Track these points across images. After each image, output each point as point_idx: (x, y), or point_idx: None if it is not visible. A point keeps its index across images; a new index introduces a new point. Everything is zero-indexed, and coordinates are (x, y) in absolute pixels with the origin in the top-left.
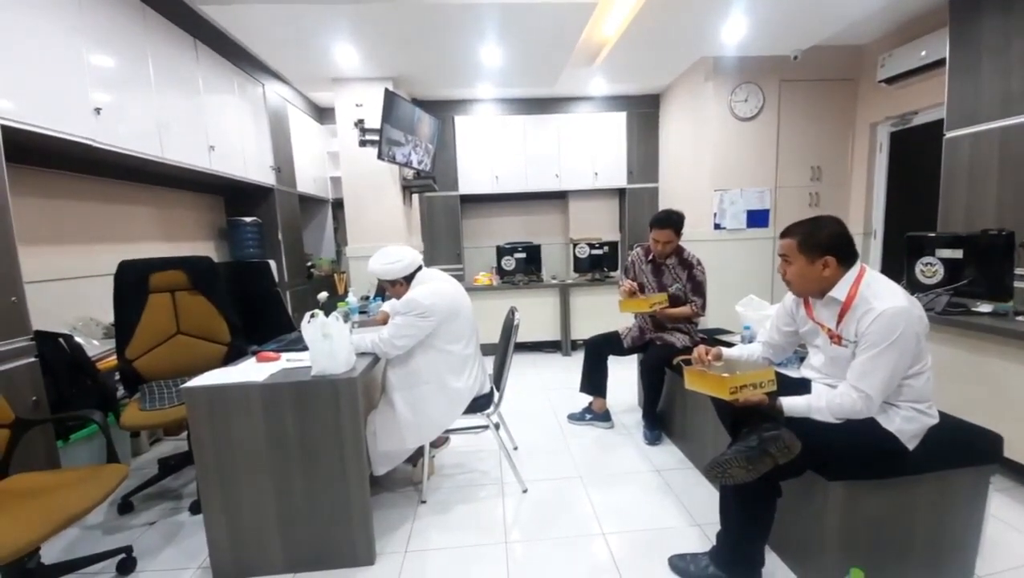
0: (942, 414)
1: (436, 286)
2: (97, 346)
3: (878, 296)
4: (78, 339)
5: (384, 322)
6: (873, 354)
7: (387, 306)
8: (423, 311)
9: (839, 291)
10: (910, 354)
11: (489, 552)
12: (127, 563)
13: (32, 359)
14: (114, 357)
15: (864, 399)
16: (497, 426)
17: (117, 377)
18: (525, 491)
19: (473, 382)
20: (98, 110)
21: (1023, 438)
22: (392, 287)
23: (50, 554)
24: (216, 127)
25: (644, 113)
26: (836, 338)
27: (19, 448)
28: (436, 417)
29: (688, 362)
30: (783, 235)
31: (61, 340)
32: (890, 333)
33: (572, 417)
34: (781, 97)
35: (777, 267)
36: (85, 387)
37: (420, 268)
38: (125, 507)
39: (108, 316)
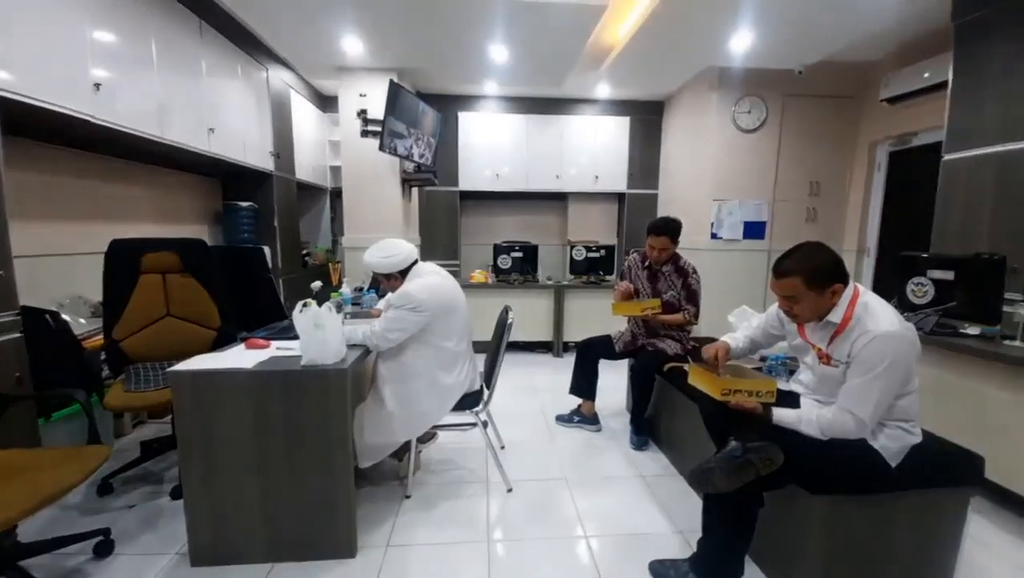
0: (925, 433)
1: (431, 281)
2: (84, 325)
3: (874, 318)
4: (65, 316)
5: (378, 316)
6: (868, 378)
7: (382, 303)
8: (416, 305)
9: (835, 314)
10: (902, 377)
11: (471, 550)
12: (104, 545)
13: (17, 334)
14: (101, 336)
15: (858, 423)
16: (485, 424)
17: (103, 357)
18: (510, 490)
19: (463, 379)
20: (97, 86)
21: (1005, 460)
22: (387, 280)
23: (27, 533)
24: (217, 109)
25: (647, 119)
26: (826, 358)
27: None
28: (425, 412)
29: (681, 368)
30: (780, 274)
31: (48, 317)
32: (884, 357)
33: (560, 419)
34: (784, 111)
35: (778, 305)
36: (70, 365)
37: (416, 262)
38: (105, 489)
39: (97, 295)
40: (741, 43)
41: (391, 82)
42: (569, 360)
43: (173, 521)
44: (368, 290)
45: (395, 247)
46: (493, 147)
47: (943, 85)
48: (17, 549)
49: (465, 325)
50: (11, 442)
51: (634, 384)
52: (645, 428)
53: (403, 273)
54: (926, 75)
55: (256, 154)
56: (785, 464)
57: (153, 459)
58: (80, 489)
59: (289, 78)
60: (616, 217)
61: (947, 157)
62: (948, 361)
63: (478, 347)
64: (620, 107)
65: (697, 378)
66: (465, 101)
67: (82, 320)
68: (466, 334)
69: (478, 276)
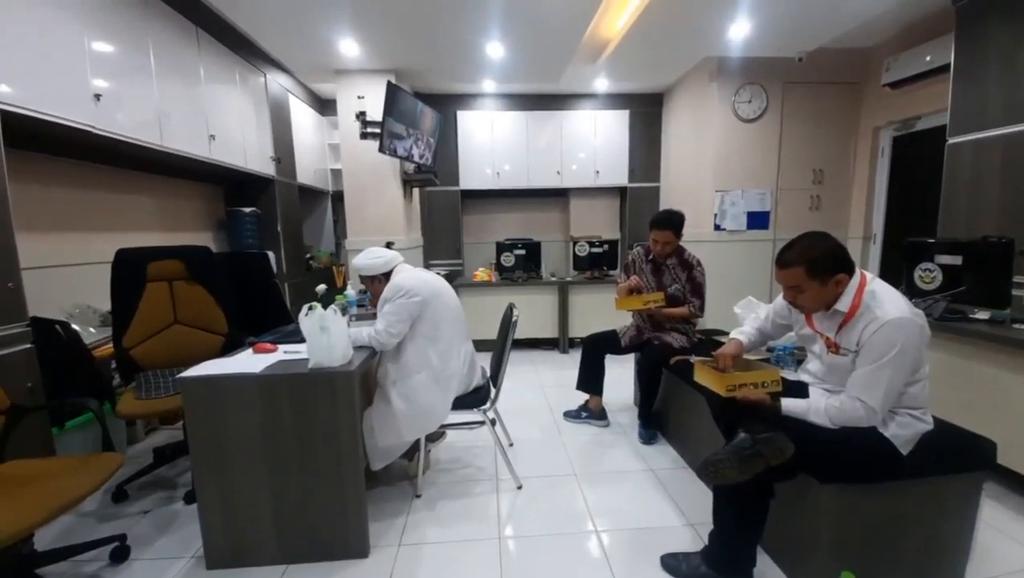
0: (936, 420)
1: (416, 273)
2: (94, 334)
3: (881, 305)
4: (75, 326)
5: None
6: (877, 366)
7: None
8: (407, 290)
9: (842, 303)
10: (911, 364)
11: (483, 547)
12: (121, 551)
13: (28, 345)
14: (111, 345)
15: (868, 411)
16: (493, 422)
17: (113, 365)
18: (520, 487)
19: (461, 366)
20: (98, 96)
21: (1017, 445)
22: (372, 284)
23: (43, 541)
24: (217, 116)
25: (647, 112)
26: (834, 347)
27: (14, 434)
28: (429, 406)
29: (687, 360)
30: (783, 265)
31: (58, 327)
32: (893, 344)
33: (568, 415)
34: (784, 99)
35: (782, 296)
36: (81, 374)
37: (398, 265)
38: (120, 495)
39: (105, 304)
40: (739, 32)
41: (389, 83)
42: (575, 356)
43: (188, 525)
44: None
45: (379, 251)
46: (493, 145)
47: (946, 68)
48: (34, 557)
49: (455, 312)
50: (26, 451)
51: (641, 378)
52: (653, 422)
53: (386, 276)
54: (928, 58)
55: (257, 159)
56: (795, 454)
57: (166, 465)
58: (95, 496)
59: (287, 82)
60: (618, 211)
61: (952, 140)
62: (958, 347)
63: (484, 346)
64: (619, 100)
65: (702, 376)
66: (463, 100)
67: (91, 329)
68: (458, 323)
69: (481, 274)
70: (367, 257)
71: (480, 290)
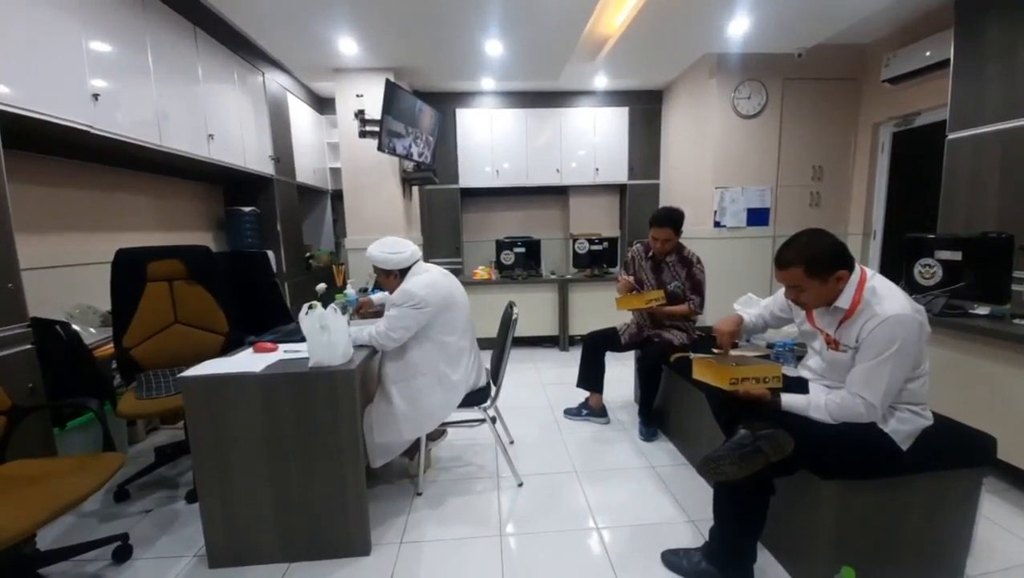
0: (936, 415)
1: (431, 277)
2: (94, 334)
3: (882, 302)
4: (75, 326)
5: (365, 308)
6: (877, 362)
7: (376, 298)
8: (417, 301)
9: (843, 300)
10: (911, 361)
11: (484, 544)
12: (123, 551)
13: (29, 346)
14: (111, 345)
15: (868, 407)
16: (494, 420)
17: (114, 365)
18: (520, 485)
19: (468, 373)
20: (96, 96)
21: (1017, 440)
22: (386, 277)
23: (46, 540)
24: (215, 115)
25: (646, 109)
26: (834, 344)
27: (15, 435)
28: (433, 409)
29: (687, 357)
30: (782, 265)
31: (58, 327)
32: (893, 340)
33: (568, 412)
34: (784, 95)
35: (784, 294)
36: (82, 374)
37: (416, 263)
38: (121, 495)
39: (105, 304)
40: (738, 28)
41: (387, 81)
42: (575, 353)
43: (189, 524)
44: (372, 290)
45: (400, 245)
46: (492, 143)
47: (945, 63)
48: (36, 557)
49: (467, 320)
50: (27, 452)
51: (641, 375)
52: (654, 419)
53: (402, 272)
54: (927, 53)
55: (256, 159)
56: (795, 450)
57: (168, 464)
58: (97, 496)
59: (285, 81)
60: (618, 209)
61: (951, 136)
62: (958, 342)
63: (484, 344)
64: (618, 98)
65: (703, 371)
66: (462, 98)
67: (92, 329)
68: (468, 329)
69: (481, 273)
70: (385, 249)
71: (480, 288)
